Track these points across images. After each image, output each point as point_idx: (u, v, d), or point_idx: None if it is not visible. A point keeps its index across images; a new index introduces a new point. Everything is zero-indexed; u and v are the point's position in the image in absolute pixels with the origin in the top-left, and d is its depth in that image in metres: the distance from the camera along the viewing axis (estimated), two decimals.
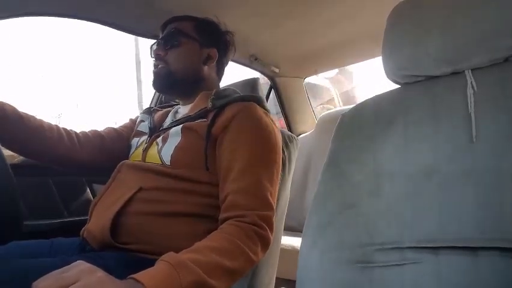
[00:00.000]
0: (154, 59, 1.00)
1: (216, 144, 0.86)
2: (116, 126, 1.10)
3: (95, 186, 1.34)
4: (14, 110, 0.87)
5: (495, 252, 0.54)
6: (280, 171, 0.88)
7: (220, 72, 1.08)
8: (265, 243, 0.76)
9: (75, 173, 1.25)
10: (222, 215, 0.78)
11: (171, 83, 0.97)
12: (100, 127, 1.07)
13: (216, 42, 1.04)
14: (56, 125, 0.97)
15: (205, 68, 1.01)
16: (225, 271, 0.66)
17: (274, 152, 0.86)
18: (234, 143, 0.83)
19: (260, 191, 0.79)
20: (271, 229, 0.78)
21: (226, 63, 1.10)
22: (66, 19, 1.13)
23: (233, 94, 0.94)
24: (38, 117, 0.94)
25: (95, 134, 1.03)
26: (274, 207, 0.81)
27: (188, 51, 0.99)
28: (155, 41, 1.02)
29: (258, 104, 0.91)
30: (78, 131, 1.02)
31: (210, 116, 0.87)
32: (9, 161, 0.75)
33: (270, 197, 0.80)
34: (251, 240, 0.73)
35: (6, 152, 0.88)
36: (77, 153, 0.97)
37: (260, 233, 0.75)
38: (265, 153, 0.84)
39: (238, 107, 0.87)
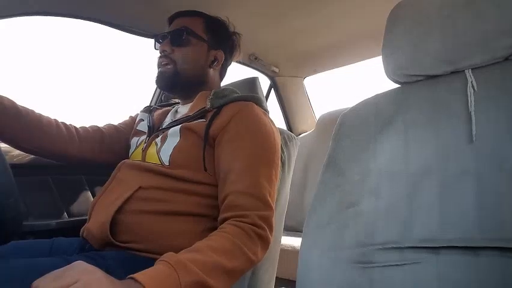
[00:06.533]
0: (159, 53, 0.98)
1: (215, 144, 0.85)
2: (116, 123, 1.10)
3: (95, 186, 1.34)
4: (13, 103, 0.87)
5: (495, 252, 0.54)
6: (279, 171, 0.88)
7: (222, 74, 1.08)
8: (265, 243, 0.76)
9: (74, 167, 1.23)
10: (221, 215, 0.78)
11: (175, 83, 0.96)
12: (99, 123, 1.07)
13: (223, 44, 1.03)
14: (56, 119, 0.96)
15: (211, 70, 1.01)
16: (225, 271, 0.66)
17: (273, 152, 0.85)
18: (233, 143, 0.83)
19: (259, 191, 0.79)
20: (270, 229, 0.78)
21: (229, 65, 1.09)
22: (63, 19, 1.13)
23: (232, 94, 0.93)
24: (37, 111, 0.93)
25: (95, 130, 1.03)
26: (274, 207, 0.81)
27: (196, 52, 0.98)
28: (161, 33, 1.00)
29: (257, 104, 0.91)
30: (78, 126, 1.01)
31: (209, 116, 0.87)
32: (9, 160, 0.75)
33: (269, 197, 0.80)
34: (251, 240, 0.73)
35: (6, 151, 0.87)
36: (76, 148, 0.96)
37: (260, 233, 0.74)
38: (264, 153, 0.83)
39: (236, 107, 0.87)
